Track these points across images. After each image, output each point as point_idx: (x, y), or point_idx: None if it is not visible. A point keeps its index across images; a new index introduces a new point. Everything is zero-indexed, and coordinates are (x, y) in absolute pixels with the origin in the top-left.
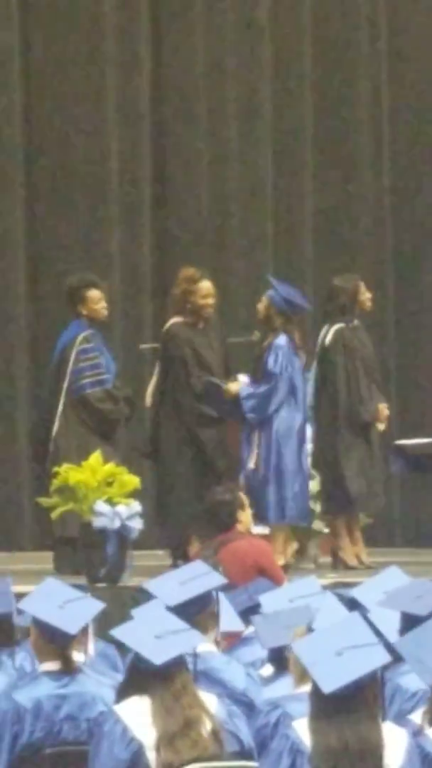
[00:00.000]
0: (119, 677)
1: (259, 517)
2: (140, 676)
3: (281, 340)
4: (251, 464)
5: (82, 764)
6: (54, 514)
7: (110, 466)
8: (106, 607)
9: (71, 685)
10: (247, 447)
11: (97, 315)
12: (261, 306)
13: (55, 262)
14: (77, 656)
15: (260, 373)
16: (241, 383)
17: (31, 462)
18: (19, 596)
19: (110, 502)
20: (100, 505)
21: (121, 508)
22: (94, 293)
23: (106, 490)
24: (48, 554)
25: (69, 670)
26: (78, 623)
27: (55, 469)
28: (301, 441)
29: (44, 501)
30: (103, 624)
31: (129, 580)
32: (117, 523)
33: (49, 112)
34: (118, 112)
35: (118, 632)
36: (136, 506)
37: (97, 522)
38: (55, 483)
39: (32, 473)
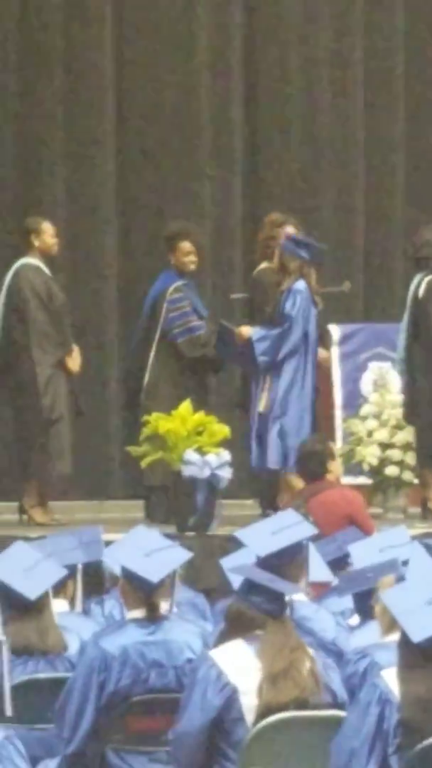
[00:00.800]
0: (207, 625)
1: (261, 461)
2: (245, 619)
3: (300, 284)
4: (261, 407)
5: (170, 712)
6: (144, 463)
7: (200, 416)
8: (194, 556)
9: (158, 633)
10: (257, 391)
11: (184, 268)
12: (276, 257)
13: (146, 213)
14: (164, 605)
15: (276, 318)
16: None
17: (121, 411)
18: (110, 545)
19: (200, 451)
20: (190, 454)
21: (211, 457)
22: (185, 245)
23: (196, 439)
24: (137, 503)
25: (155, 618)
26: (161, 572)
27: (146, 418)
28: (311, 391)
29: (134, 450)
30: (192, 573)
31: (218, 529)
32: (206, 473)
33: (141, 64)
34: (209, 61)
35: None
36: (225, 455)
37: (187, 471)
38: (145, 432)
39: (123, 422)
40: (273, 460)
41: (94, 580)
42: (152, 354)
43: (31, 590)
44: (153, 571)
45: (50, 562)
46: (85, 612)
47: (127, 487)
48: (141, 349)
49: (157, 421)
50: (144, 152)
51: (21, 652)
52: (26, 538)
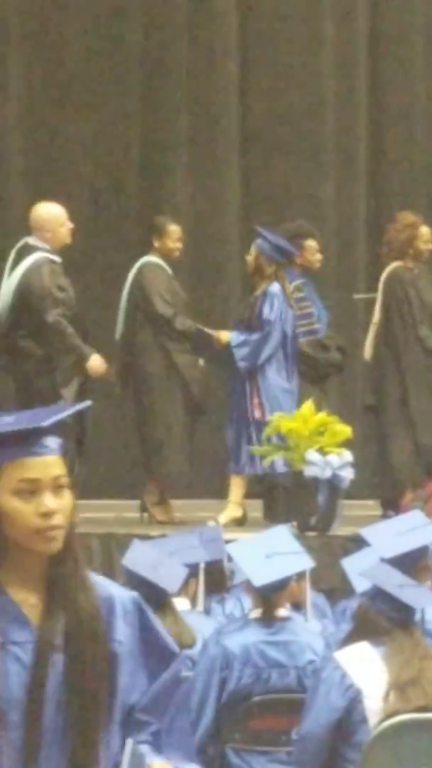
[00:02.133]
0: (330, 626)
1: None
2: (374, 624)
3: (275, 287)
4: (257, 413)
5: (291, 712)
6: (265, 462)
7: (322, 416)
8: (316, 556)
9: (281, 633)
10: (242, 398)
11: (312, 266)
12: (250, 257)
13: (269, 211)
14: (284, 608)
15: (254, 323)
16: (231, 332)
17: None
18: (230, 543)
19: (322, 451)
20: (312, 454)
21: (333, 458)
22: (311, 243)
23: (318, 440)
24: (256, 502)
25: (271, 618)
26: (270, 576)
27: (268, 417)
28: (296, 391)
29: (256, 449)
30: (313, 573)
31: (339, 529)
32: (328, 473)
33: (265, 62)
34: (334, 61)
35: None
36: (347, 456)
37: (309, 471)
38: (268, 431)
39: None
40: (253, 466)
41: (216, 579)
42: None
43: (169, 584)
44: (263, 574)
45: (173, 559)
46: (206, 611)
47: (248, 486)
48: None
49: (280, 421)
50: (266, 153)
51: None
52: (147, 537)
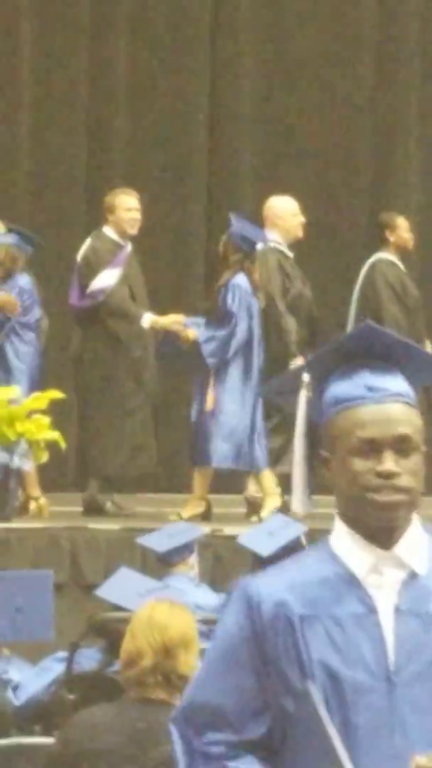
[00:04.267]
0: None
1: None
2: None
3: (238, 278)
4: (209, 405)
5: None
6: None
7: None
8: None
9: None
10: (200, 390)
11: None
12: (221, 245)
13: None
14: None
15: (217, 315)
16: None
17: None
18: None
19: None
20: None
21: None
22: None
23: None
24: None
25: None
26: None
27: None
28: (255, 388)
29: None
30: None
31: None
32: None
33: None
34: None
35: None
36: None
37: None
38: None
39: None
40: (217, 459)
41: None
42: None
43: None
44: None
45: None
46: None
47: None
48: None
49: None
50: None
51: None
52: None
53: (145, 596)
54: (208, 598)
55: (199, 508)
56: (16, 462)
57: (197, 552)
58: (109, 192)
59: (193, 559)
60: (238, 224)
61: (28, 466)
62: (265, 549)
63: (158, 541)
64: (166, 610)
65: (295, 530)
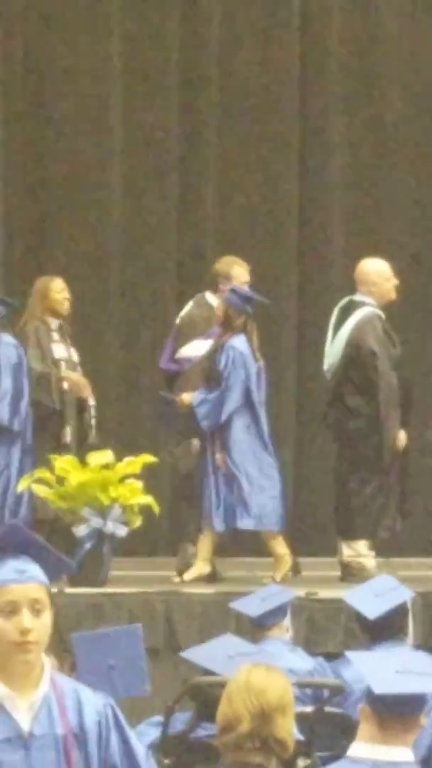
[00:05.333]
0: None
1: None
2: None
3: (237, 340)
4: (221, 467)
5: None
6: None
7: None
8: None
9: None
10: (209, 454)
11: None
12: (218, 310)
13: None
14: None
15: (212, 377)
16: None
17: None
18: None
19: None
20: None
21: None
22: None
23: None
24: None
25: None
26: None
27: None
28: (264, 447)
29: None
30: None
31: None
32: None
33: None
34: None
35: None
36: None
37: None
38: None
39: None
40: (246, 522)
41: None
42: None
43: None
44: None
45: None
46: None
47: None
48: None
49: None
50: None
51: None
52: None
53: (235, 659)
54: (303, 662)
55: (204, 570)
56: (110, 527)
57: (290, 615)
58: (221, 259)
59: (287, 622)
60: (238, 290)
61: (123, 532)
62: (371, 611)
63: (251, 605)
64: (263, 675)
65: (403, 594)
